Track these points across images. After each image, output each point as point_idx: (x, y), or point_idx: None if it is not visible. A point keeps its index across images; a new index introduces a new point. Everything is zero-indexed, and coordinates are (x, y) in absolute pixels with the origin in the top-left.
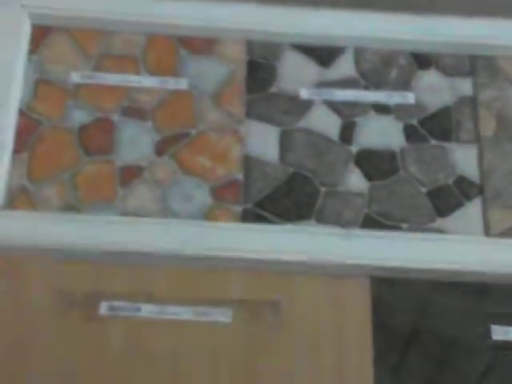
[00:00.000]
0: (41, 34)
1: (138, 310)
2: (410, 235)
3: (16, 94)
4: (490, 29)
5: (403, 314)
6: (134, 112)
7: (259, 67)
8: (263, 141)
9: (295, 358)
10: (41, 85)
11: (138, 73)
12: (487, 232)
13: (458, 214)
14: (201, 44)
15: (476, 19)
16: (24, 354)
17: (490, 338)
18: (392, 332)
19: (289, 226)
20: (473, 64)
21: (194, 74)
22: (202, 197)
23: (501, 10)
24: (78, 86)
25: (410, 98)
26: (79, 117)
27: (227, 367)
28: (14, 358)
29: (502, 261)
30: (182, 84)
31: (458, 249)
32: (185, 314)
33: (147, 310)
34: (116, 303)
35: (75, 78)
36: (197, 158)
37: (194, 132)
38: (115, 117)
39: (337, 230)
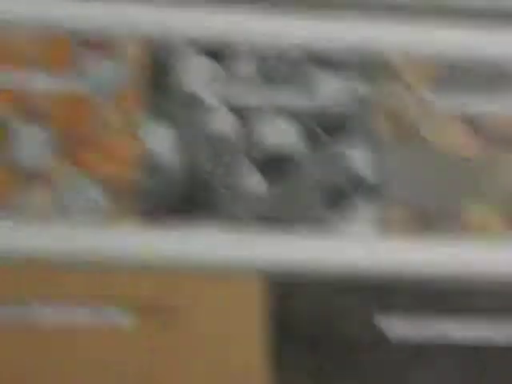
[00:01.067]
0: None
1: (34, 314)
2: (305, 235)
3: None
4: (381, 29)
5: (297, 313)
6: (29, 113)
7: (159, 68)
8: (162, 142)
9: (194, 361)
10: None
11: (35, 76)
12: (380, 231)
13: (352, 213)
14: (101, 46)
15: (368, 19)
16: None
17: (379, 333)
18: (287, 332)
19: (186, 229)
20: (367, 65)
21: (93, 76)
22: (100, 199)
23: (392, 8)
24: None
25: (308, 99)
26: None
27: (124, 368)
28: None
29: (398, 260)
30: (82, 86)
31: (353, 249)
32: (82, 317)
33: (44, 314)
34: (11, 309)
35: None
36: (95, 160)
37: (93, 135)
38: (11, 121)
39: (232, 230)
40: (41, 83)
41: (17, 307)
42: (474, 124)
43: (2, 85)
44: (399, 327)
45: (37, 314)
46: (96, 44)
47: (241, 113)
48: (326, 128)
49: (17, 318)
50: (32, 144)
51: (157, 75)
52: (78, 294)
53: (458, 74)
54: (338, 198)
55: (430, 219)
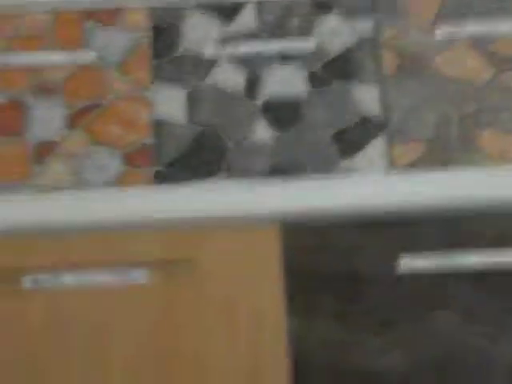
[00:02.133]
0: None
1: (60, 280)
2: (316, 179)
3: None
4: None
5: (314, 256)
6: (44, 89)
7: (163, 32)
8: (171, 103)
9: (212, 313)
10: None
11: (46, 50)
12: (391, 167)
13: (362, 153)
14: (105, 15)
15: None
16: None
17: (396, 270)
18: (302, 276)
19: (199, 184)
20: (373, 3)
21: (100, 45)
22: (114, 164)
23: None
24: None
25: (311, 44)
26: None
27: (146, 328)
28: None
29: (407, 194)
30: (89, 56)
31: (363, 187)
32: (103, 278)
33: (68, 280)
34: (38, 276)
35: None
36: (107, 127)
37: (103, 102)
38: (26, 96)
39: (244, 182)
40: (52, 59)
41: (41, 274)
42: (483, 49)
43: (15, 63)
44: (420, 263)
45: (60, 279)
46: (101, 15)
47: (246, 65)
48: (330, 70)
49: (42, 283)
50: (47, 117)
51: (162, 38)
52: (97, 257)
53: (463, 2)
54: (347, 138)
55: (444, 151)
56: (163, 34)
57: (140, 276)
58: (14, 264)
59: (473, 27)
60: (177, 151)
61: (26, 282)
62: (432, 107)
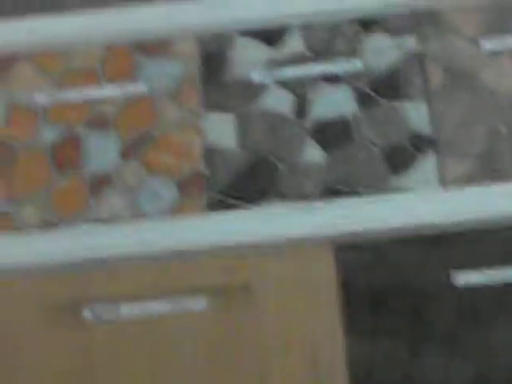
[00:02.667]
0: (4, 63)
1: (119, 310)
2: (368, 198)
3: None
4: None
5: (369, 276)
6: (98, 122)
7: (211, 59)
8: (222, 130)
9: (269, 337)
10: (10, 110)
11: (98, 84)
12: (443, 183)
13: (413, 169)
14: (155, 46)
15: None
16: (13, 367)
17: (452, 284)
18: (360, 296)
19: (253, 209)
20: (417, 19)
21: (151, 76)
22: (169, 194)
23: None
24: (45, 107)
25: (357, 63)
26: (49, 136)
27: (205, 355)
28: (1, 372)
29: (460, 209)
30: (141, 88)
31: (416, 204)
32: (162, 307)
33: (127, 310)
34: (98, 307)
35: (40, 99)
36: (161, 156)
37: (156, 132)
38: (81, 131)
39: (298, 204)
40: (105, 92)
41: (101, 305)
42: None
43: (69, 98)
44: (473, 278)
45: (119, 310)
46: (150, 46)
47: (294, 88)
48: (378, 88)
49: (103, 315)
50: (101, 150)
51: (210, 65)
52: (155, 286)
53: (507, 15)
54: (397, 156)
55: (495, 165)
56: (211, 62)
57: (198, 304)
58: (75, 296)
59: None
60: (229, 177)
61: (87, 314)
62: (481, 121)
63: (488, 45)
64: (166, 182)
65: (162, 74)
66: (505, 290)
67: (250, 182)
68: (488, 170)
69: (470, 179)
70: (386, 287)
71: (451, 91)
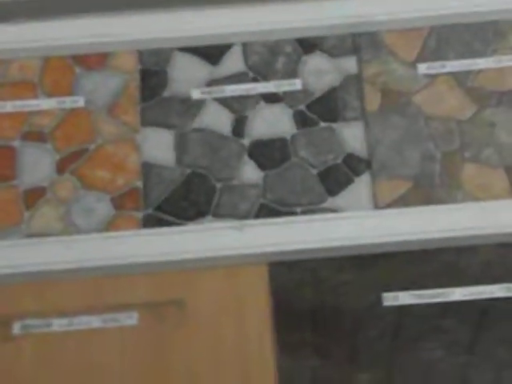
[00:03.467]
0: None
1: (50, 325)
2: (303, 218)
3: None
4: (371, 5)
5: (301, 294)
6: (34, 135)
7: (151, 74)
8: (159, 146)
9: (200, 352)
10: None
11: (35, 97)
12: (376, 204)
13: (348, 191)
14: (94, 60)
15: None
16: None
17: (381, 304)
18: (292, 314)
19: (187, 226)
20: (356, 42)
21: (89, 90)
22: (103, 208)
23: None
24: None
25: (297, 84)
26: None
27: (137, 369)
28: None
29: (392, 230)
30: (79, 102)
31: (349, 224)
32: (93, 322)
33: (58, 324)
34: (28, 321)
35: None
36: (96, 171)
37: (92, 147)
38: (16, 143)
39: (232, 222)
40: (42, 104)
41: (32, 319)
42: (464, 85)
43: (4, 109)
44: (403, 298)
45: (50, 324)
46: (90, 59)
47: (233, 106)
48: (316, 109)
49: (33, 329)
50: (36, 163)
51: (150, 81)
52: (87, 301)
53: (443, 41)
54: (333, 177)
55: (427, 188)
56: (151, 77)
57: (129, 319)
58: (4, 310)
59: (453, 64)
60: (165, 194)
61: (16, 328)
62: (415, 144)
63: (425, 69)
64: (101, 196)
65: (100, 87)
66: (433, 311)
67: (185, 199)
68: (421, 194)
69: (403, 202)
70: (317, 306)
71: (387, 114)
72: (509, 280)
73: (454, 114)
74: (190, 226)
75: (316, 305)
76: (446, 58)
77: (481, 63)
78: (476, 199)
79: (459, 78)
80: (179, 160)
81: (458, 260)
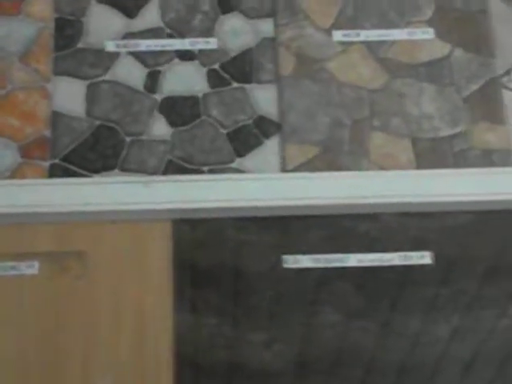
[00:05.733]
0: None
1: None
2: (210, 177)
3: None
4: None
5: (203, 252)
6: None
7: (67, 24)
8: (70, 96)
9: (100, 304)
10: None
11: None
12: (284, 168)
13: (257, 152)
14: (9, 5)
15: None
16: None
17: (281, 266)
18: (193, 271)
19: (94, 178)
20: (274, 5)
21: (2, 35)
22: (10, 156)
23: None
24: None
25: (212, 43)
26: None
27: (35, 317)
28: None
29: (297, 194)
30: None
31: (256, 186)
32: None
33: None
34: None
35: None
36: (5, 118)
37: (2, 92)
38: None
39: (139, 177)
40: None
41: None
42: (377, 55)
43: None
44: (302, 262)
45: None
46: (4, 5)
47: (147, 61)
48: (230, 69)
49: None
50: None
51: (65, 30)
52: None
53: (360, 9)
54: (242, 138)
55: (335, 155)
56: (66, 26)
57: (31, 268)
58: None
59: (368, 34)
60: (73, 144)
61: None
62: (326, 110)
63: (340, 36)
64: (8, 144)
65: (14, 33)
66: (330, 275)
67: (93, 151)
68: (328, 159)
69: (310, 166)
70: (218, 265)
71: (301, 79)
72: (407, 248)
73: (365, 82)
74: (96, 179)
75: (217, 264)
76: (361, 27)
77: (395, 34)
78: (381, 168)
79: (373, 47)
80: (89, 111)
81: (357, 226)
